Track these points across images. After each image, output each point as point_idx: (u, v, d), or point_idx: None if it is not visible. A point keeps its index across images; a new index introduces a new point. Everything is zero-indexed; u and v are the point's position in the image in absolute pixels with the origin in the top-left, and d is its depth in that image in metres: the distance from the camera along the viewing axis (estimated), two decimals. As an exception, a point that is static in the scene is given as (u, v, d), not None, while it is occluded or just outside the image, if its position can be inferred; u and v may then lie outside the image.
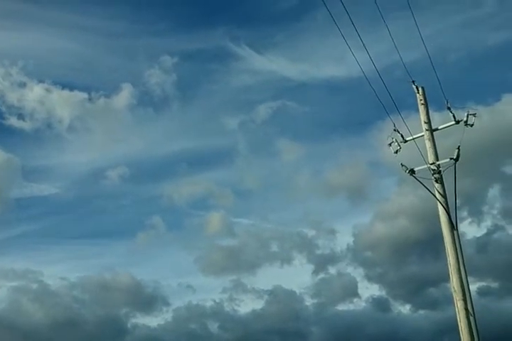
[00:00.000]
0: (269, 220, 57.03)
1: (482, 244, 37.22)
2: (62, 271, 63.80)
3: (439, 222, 14.25)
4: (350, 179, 48.59)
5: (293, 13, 58.09)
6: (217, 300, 48.83)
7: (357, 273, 58.82)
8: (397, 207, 41.33)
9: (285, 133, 60.22)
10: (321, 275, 47.83)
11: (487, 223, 45.01)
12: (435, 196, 14.37)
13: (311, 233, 59.69)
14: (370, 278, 44.86)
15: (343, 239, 63.21)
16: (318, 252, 49.35)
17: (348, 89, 55.97)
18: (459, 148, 14.77)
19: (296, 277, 52.29)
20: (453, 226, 14.03)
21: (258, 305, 56.28)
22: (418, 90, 15.94)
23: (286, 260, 49.30)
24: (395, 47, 15.61)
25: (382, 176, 48.85)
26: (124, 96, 54.69)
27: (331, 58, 57.09)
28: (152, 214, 59.76)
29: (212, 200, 57.23)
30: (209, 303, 48.25)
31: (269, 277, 50.93)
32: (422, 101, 15.85)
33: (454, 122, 15.45)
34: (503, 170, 37.80)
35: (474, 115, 15.28)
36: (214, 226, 51.75)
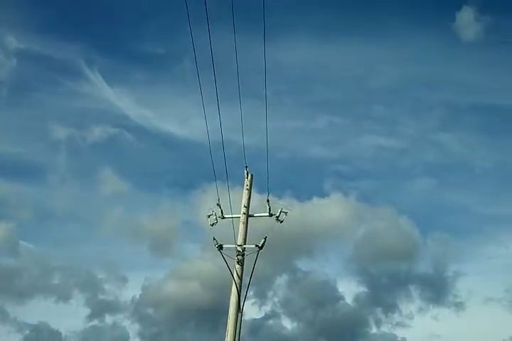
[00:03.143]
0: (62, 250, 52.46)
1: (257, 327, 38.60)
2: None
3: (228, 300, 14.89)
4: (158, 232, 47.44)
5: (159, 59, 58.28)
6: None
7: (132, 328, 55.64)
8: (194, 270, 41.17)
9: (112, 165, 57.83)
10: (95, 322, 44.54)
11: (267, 308, 46.82)
12: (233, 276, 15.07)
13: (101, 275, 56.58)
14: (143, 337, 42.88)
15: (131, 290, 60.38)
16: (101, 297, 46.29)
17: (183, 147, 56.64)
18: (265, 239, 15.86)
19: (68, 318, 47.57)
20: (239, 309, 14.74)
21: (14, 339, 49.50)
22: (247, 176, 17.05)
23: (64, 297, 45.19)
24: (241, 124, 16.40)
25: (190, 237, 48.68)
26: None
27: (175, 115, 57.99)
28: None
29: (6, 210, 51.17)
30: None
31: (38, 311, 45.71)
32: (248, 187, 16.91)
33: (268, 214, 16.69)
34: (294, 264, 41.38)
35: (286, 213, 16.69)
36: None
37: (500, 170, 56.88)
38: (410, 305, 45.48)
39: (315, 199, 46.48)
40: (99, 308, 44.90)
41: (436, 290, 46.05)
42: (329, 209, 46.86)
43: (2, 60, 51.46)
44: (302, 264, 45.18)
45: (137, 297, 45.81)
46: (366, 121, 58.61)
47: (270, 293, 42.24)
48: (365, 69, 58.73)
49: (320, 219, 44.64)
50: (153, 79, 60.63)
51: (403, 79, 60.13)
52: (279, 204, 16.78)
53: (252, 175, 17.13)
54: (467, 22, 54.67)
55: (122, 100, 57.23)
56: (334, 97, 59.44)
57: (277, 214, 16.59)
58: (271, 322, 39.68)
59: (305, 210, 40.86)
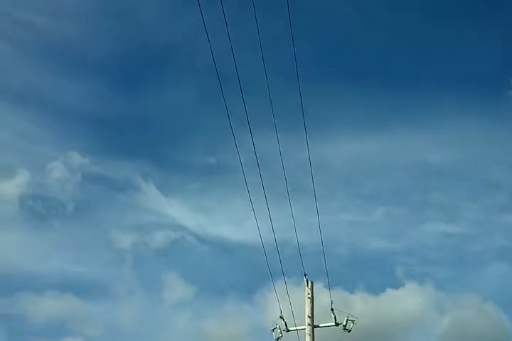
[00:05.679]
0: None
1: None
2: None
3: None
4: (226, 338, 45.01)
5: (209, 168, 57.19)
6: None
7: None
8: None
9: (177, 268, 56.06)
10: None
11: None
12: None
13: None
14: None
15: None
16: None
17: (240, 251, 54.92)
18: (337, 354, 15.04)
19: None
20: None
21: None
22: (308, 284, 16.03)
23: None
24: (294, 226, 15.41)
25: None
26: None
27: (228, 220, 56.14)
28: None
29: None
30: None
31: None
32: (309, 296, 15.88)
33: (334, 324, 15.82)
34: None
35: (353, 321, 15.85)
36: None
37: None
38: None
39: (389, 291, 43.96)
40: None
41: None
42: (406, 300, 44.11)
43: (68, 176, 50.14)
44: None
45: None
46: (424, 209, 56.35)
47: None
48: (415, 157, 56.10)
49: (398, 311, 42.05)
50: (205, 187, 60.16)
51: (456, 162, 57.59)
52: (345, 313, 15.94)
53: (312, 283, 16.06)
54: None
55: (177, 209, 56.64)
56: (386, 187, 57.22)
57: (344, 323, 15.76)
58: None
59: (380, 303, 38.59)
